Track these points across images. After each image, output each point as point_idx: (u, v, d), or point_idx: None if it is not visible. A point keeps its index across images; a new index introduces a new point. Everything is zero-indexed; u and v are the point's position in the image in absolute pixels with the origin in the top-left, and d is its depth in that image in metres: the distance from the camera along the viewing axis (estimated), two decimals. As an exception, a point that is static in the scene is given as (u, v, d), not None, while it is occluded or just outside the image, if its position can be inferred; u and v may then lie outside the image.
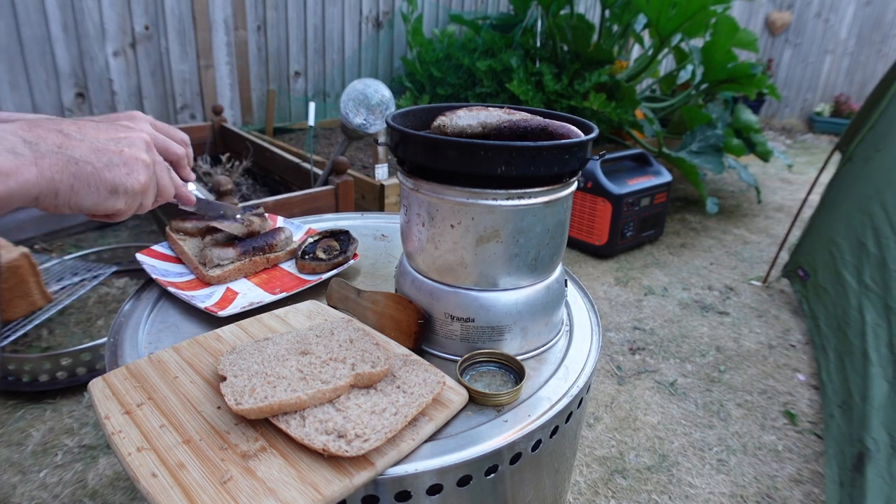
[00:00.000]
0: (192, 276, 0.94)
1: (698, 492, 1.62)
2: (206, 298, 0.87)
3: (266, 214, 1.10)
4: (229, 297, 0.89)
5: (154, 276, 0.91)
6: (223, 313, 0.82)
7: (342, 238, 1.00)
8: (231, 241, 0.97)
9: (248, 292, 0.91)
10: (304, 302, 0.85)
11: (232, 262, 0.94)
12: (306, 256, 0.97)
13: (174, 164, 0.80)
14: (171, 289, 0.88)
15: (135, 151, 0.57)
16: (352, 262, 0.97)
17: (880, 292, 1.85)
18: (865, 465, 1.46)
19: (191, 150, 0.82)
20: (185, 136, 0.82)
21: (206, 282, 0.92)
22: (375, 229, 1.20)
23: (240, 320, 0.80)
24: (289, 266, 1.00)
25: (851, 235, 2.13)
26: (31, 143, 0.50)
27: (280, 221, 1.12)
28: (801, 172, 4.94)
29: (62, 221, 2.95)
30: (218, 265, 0.93)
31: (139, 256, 0.97)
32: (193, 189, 0.90)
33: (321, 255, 0.97)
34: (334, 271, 0.95)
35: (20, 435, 1.67)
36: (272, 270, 0.99)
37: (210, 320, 0.83)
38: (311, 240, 1.02)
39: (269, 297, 0.88)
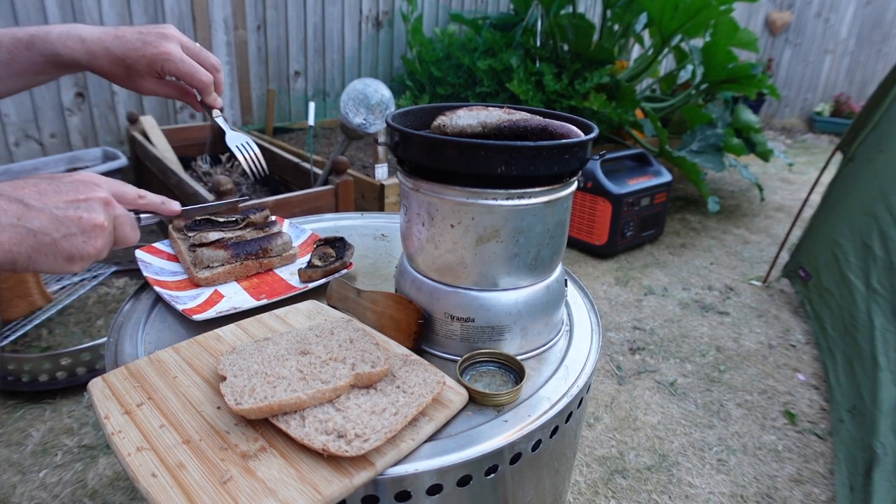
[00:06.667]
0: (185, 276, 0.93)
1: (698, 492, 1.62)
2: (189, 300, 0.85)
3: (274, 218, 1.09)
4: (214, 300, 0.86)
5: (145, 274, 0.90)
6: (197, 317, 0.80)
7: (338, 245, 0.98)
8: (221, 243, 0.94)
9: (234, 296, 0.88)
10: (304, 302, 0.85)
11: (222, 265, 0.91)
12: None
13: (200, 90, 0.81)
14: (157, 288, 0.86)
15: (93, 217, 0.60)
16: (345, 271, 0.95)
17: (889, 297, 1.83)
18: (873, 468, 1.46)
19: (221, 76, 0.82)
20: (217, 62, 0.82)
21: (195, 283, 0.90)
22: (375, 229, 1.20)
23: (224, 325, 0.78)
24: (282, 272, 0.97)
25: (855, 237, 2.12)
26: None
27: (286, 225, 1.10)
28: (802, 172, 4.94)
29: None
30: (207, 267, 0.91)
31: (137, 253, 0.96)
32: (219, 119, 0.87)
33: (317, 262, 0.95)
34: (330, 277, 0.92)
35: (20, 435, 1.67)
36: (264, 275, 0.96)
37: (210, 320, 0.82)
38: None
39: (248, 304, 0.85)
